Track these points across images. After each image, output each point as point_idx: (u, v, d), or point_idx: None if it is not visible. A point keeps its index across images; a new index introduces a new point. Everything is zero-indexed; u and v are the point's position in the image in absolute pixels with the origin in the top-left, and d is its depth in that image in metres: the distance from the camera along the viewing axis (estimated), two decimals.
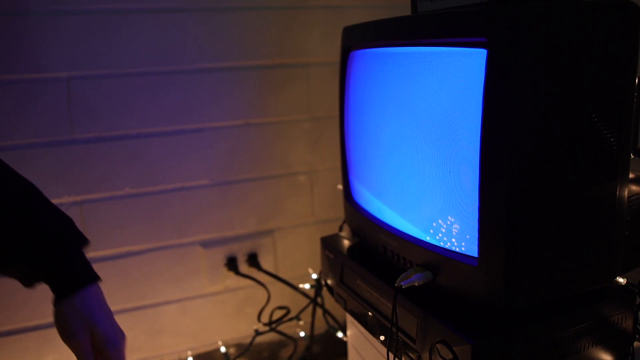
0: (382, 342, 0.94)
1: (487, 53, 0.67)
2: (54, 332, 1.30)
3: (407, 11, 0.94)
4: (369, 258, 1.00)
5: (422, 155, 0.82)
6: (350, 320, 1.16)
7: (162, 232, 1.38)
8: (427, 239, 0.85)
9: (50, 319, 1.30)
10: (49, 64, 1.24)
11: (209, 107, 1.38)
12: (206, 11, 1.35)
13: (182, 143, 1.37)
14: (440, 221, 0.82)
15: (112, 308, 1.35)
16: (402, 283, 0.80)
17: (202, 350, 1.46)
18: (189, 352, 1.44)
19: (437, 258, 0.80)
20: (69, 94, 1.26)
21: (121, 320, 1.37)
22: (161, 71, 1.33)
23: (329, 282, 1.12)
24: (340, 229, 1.25)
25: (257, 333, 1.41)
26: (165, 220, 1.38)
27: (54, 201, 1.27)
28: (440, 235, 0.82)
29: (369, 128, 0.98)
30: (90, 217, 1.31)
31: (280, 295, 1.48)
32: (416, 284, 0.81)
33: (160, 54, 1.32)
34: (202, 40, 1.35)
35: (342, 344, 1.38)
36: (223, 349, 1.43)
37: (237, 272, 1.44)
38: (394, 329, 0.83)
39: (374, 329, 0.96)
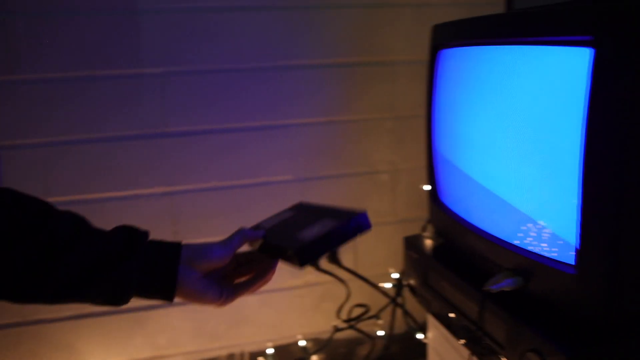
0: (466, 346, 0.93)
1: (593, 52, 0.64)
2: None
3: (498, 9, 0.92)
4: (455, 260, 0.98)
5: (517, 156, 0.80)
6: (431, 322, 1.14)
7: (245, 225, 1.41)
8: (516, 242, 0.83)
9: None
10: (146, 59, 1.30)
11: (294, 104, 1.40)
12: (295, 9, 1.36)
13: (266, 139, 1.40)
14: (530, 225, 0.80)
15: None
16: (491, 287, 0.78)
17: (281, 342, 1.48)
18: (269, 344, 1.47)
19: (529, 263, 0.78)
20: (163, 89, 1.32)
21: (205, 310, 1.43)
22: (249, 68, 1.36)
23: (412, 282, 1.11)
24: (424, 229, 1.24)
25: (337, 329, 1.42)
26: (249, 214, 1.40)
27: (146, 191, 1.35)
28: (529, 239, 0.80)
29: (459, 128, 0.96)
30: (179, 207, 1.37)
31: (359, 292, 1.47)
32: (506, 289, 0.79)
33: (248, 51, 1.35)
34: (289, 37, 1.37)
35: (421, 346, 1.36)
36: (302, 343, 1.45)
37: (317, 268, 1.45)
38: (480, 334, 0.82)
39: (458, 332, 0.95)
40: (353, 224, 0.73)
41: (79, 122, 1.29)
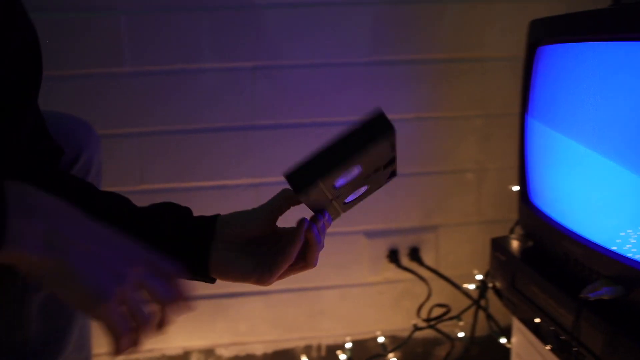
0: (553, 352, 0.90)
1: None
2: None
3: (602, 3, 0.87)
4: (547, 264, 0.95)
5: (623, 159, 0.76)
6: (517, 327, 1.11)
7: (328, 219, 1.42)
8: (613, 248, 0.79)
9: None
10: (235, 54, 1.33)
11: (382, 100, 1.39)
12: (383, 4, 1.36)
13: None
14: (630, 231, 0.76)
15: (279, 287, 1.44)
16: (589, 295, 0.75)
17: (358, 337, 1.49)
18: (347, 338, 1.48)
19: (631, 272, 0.74)
20: (253, 83, 1.35)
21: (285, 300, 1.46)
22: (338, 63, 1.37)
23: (498, 285, 1.09)
24: (512, 231, 1.20)
25: (416, 328, 1.40)
26: None
27: (233, 182, 1.39)
28: (629, 246, 0.76)
29: (558, 127, 0.92)
30: (264, 199, 1.39)
31: (440, 292, 1.46)
32: (605, 298, 0.75)
33: (338, 46, 1.36)
34: (378, 33, 1.36)
35: (504, 351, 1.33)
36: (381, 339, 1.45)
37: (399, 265, 1.44)
38: (574, 343, 0.79)
39: (547, 339, 0.92)
40: (360, 127, 0.56)
41: (174, 114, 1.34)
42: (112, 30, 1.28)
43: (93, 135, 0.99)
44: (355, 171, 0.59)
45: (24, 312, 0.91)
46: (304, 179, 0.57)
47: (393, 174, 0.69)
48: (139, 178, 1.35)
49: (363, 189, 0.66)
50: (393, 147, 0.61)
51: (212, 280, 0.66)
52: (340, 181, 0.59)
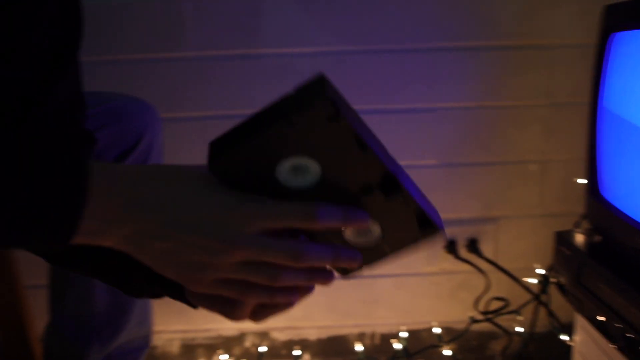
0: (621, 352, 0.86)
1: None
2: None
3: None
4: (616, 260, 0.91)
5: None
6: (580, 324, 1.07)
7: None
8: None
9: None
10: (296, 40, 1.33)
11: (443, 87, 1.36)
12: None
13: (413, 121, 1.38)
14: None
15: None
16: None
17: (413, 327, 1.48)
18: (402, 327, 1.47)
19: None
20: (312, 68, 1.34)
21: (340, 286, 1.46)
22: (399, 49, 1.35)
23: (562, 280, 1.05)
24: (577, 224, 1.16)
25: (473, 321, 1.38)
26: None
27: None
28: None
29: (634, 117, 0.88)
30: None
31: (498, 285, 1.43)
32: None
33: (402, 32, 1.33)
34: (441, 18, 1.33)
35: (564, 347, 1.29)
36: (437, 330, 1.43)
37: (457, 256, 1.42)
38: None
39: (613, 337, 0.88)
40: (293, 93, 0.46)
41: (235, 98, 1.35)
42: (176, 14, 1.31)
43: (155, 117, 1.00)
44: (311, 168, 0.47)
45: (91, 288, 0.95)
46: (217, 154, 0.46)
47: (426, 223, 0.50)
48: (200, 160, 1.37)
49: (374, 230, 0.52)
50: (357, 139, 0.44)
51: (194, 306, 0.58)
52: (282, 174, 0.47)
